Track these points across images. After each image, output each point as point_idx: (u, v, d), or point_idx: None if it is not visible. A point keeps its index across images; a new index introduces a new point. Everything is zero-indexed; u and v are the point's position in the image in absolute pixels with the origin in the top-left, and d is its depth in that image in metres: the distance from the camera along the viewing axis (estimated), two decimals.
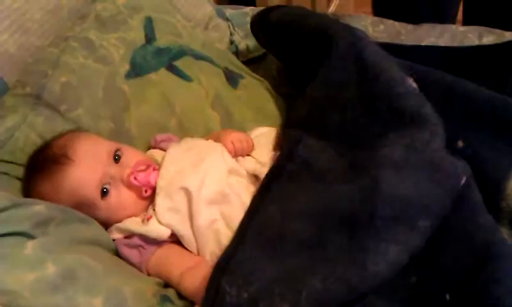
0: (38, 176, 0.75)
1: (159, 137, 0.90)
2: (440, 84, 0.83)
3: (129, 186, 0.76)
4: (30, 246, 0.61)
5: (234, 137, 0.84)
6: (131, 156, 0.79)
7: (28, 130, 0.82)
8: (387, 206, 0.60)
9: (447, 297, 0.59)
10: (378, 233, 0.59)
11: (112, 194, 0.76)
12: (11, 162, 0.79)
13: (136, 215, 0.77)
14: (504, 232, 0.71)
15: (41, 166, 0.76)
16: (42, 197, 0.73)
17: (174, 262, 0.73)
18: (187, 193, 0.74)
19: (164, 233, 0.73)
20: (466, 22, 1.50)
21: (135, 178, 0.75)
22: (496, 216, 0.71)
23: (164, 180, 0.76)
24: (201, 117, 0.97)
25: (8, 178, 0.78)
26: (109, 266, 0.67)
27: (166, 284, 0.72)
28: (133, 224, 0.75)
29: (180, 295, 0.71)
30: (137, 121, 0.92)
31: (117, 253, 0.75)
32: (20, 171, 0.79)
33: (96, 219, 0.75)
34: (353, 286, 0.56)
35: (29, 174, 0.77)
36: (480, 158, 0.74)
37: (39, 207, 0.67)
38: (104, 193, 0.75)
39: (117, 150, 0.78)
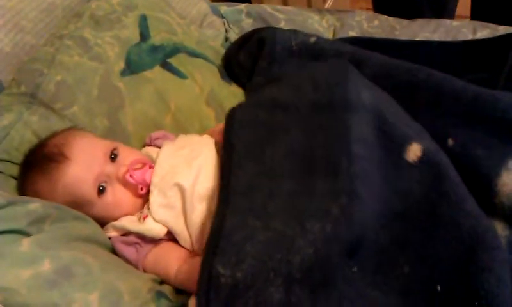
0: (33, 174, 0.76)
1: (154, 134, 0.91)
2: (428, 83, 0.84)
3: (125, 184, 0.77)
4: (26, 243, 0.62)
5: None
6: (127, 154, 0.79)
7: (23, 128, 0.82)
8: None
9: (438, 288, 0.60)
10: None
11: (109, 192, 0.76)
12: (7, 161, 0.80)
13: (132, 214, 0.78)
14: (499, 228, 0.72)
15: (37, 164, 0.76)
16: (38, 195, 0.74)
17: (171, 258, 0.74)
18: (181, 189, 0.74)
19: (160, 231, 0.73)
20: (474, 17, 1.50)
21: (131, 176, 0.76)
22: (490, 213, 0.71)
23: (158, 176, 0.77)
24: (196, 114, 0.98)
25: (3, 176, 0.78)
26: (105, 263, 0.67)
27: (162, 281, 0.73)
28: (129, 222, 0.76)
29: (176, 291, 0.71)
30: (133, 119, 0.92)
31: (113, 251, 0.75)
32: (15, 170, 0.80)
33: (92, 217, 0.75)
34: (342, 240, 0.59)
35: (25, 172, 0.78)
36: (471, 156, 0.75)
37: (34, 205, 0.68)
38: (101, 191, 0.76)
39: (114, 149, 0.79)
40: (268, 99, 0.79)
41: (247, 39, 1.10)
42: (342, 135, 0.70)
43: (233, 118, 0.77)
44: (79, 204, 0.75)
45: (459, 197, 0.65)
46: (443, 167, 0.69)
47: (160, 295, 0.68)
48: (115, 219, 0.77)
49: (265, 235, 0.60)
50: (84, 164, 0.75)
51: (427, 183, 0.67)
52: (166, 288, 0.71)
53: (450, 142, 0.78)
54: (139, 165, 0.78)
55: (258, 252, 0.58)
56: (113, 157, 0.78)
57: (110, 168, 0.77)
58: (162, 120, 0.95)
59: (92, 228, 0.74)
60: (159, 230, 0.73)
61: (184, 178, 0.75)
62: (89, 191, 0.75)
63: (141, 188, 0.77)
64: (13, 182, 0.79)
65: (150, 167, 0.79)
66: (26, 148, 0.81)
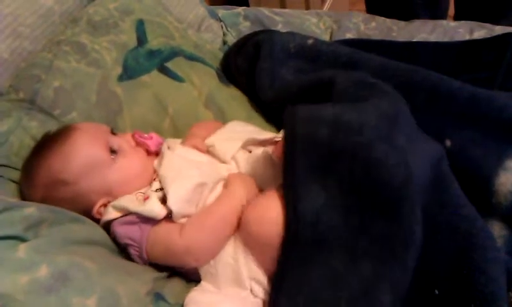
0: (44, 152, 0.78)
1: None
2: (425, 84, 0.84)
3: (134, 147, 0.82)
4: (22, 249, 0.62)
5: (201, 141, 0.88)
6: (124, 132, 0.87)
7: (22, 134, 0.83)
8: None
9: (436, 291, 0.60)
10: None
11: (120, 155, 0.80)
12: (6, 166, 0.80)
13: (143, 180, 0.80)
14: (497, 227, 0.72)
15: (46, 143, 0.79)
16: (50, 175, 0.75)
17: (174, 229, 0.73)
18: (204, 187, 0.76)
19: (160, 212, 0.73)
20: (458, 17, 1.51)
21: (138, 136, 0.83)
22: (488, 213, 0.72)
23: (170, 170, 0.78)
24: (194, 116, 0.98)
25: (2, 180, 0.79)
26: (103, 265, 0.67)
27: (160, 283, 0.72)
28: (129, 202, 0.76)
29: (175, 293, 0.71)
30: (131, 124, 0.92)
31: (111, 250, 0.75)
32: (14, 174, 0.80)
33: (107, 185, 0.78)
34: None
35: (33, 156, 0.79)
36: (468, 156, 0.75)
37: (30, 209, 0.68)
38: (113, 152, 0.80)
39: (112, 128, 0.85)
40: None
41: (245, 42, 1.11)
42: None
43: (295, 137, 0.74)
44: (94, 170, 0.77)
45: (458, 205, 0.65)
46: (444, 180, 0.70)
47: (158, 297, 0.68)
48: (129, 186, 0.78)
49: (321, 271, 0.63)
50: (92, 133, 0.80)
51: (430, 197, 0.68)
52: (165, 290, 0.71)
53: (448, 143, 0.78)
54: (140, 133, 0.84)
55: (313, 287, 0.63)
56: (114, 133, 0.84)
57: (115, 139, 0.81)
58: (161, 124, 0.95)
59: (89, 228, 0.74)
60: (159, 211, 0.73)
61: (207, 177, 0.77)
62: (103, 153, 0.79)
63: (149, 150, 0.83)
64: (13, 186, 0.79)
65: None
66: (25, 153, 0.81)
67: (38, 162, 0.78)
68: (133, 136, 0.84)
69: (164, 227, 0.73)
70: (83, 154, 0.77)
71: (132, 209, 0.74)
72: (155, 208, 0.73)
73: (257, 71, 1.02)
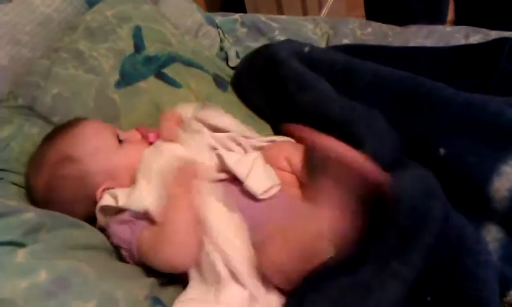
0: (54, 138, 0.81)
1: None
2: (419, 92, 0.84)
3: (139, 139, 0.86)
4: (21, 254, 0.62)
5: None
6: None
7: (23, 140, 0.85)
8: None
9: (428, 298, 0.60)
10: None
11: (126, 143, 0.84)
12: (6, 170, 0.81)
13: None
14: (493, 230, 0.72)
15: (56, 131, 0.83)
16: (58, 153, 0.79)
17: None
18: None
19: (145, 206, 0.74)
20: (458, 22, 1.52)
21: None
22: (484, 217, 0.73)
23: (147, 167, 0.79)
24: None
25: (2, 182, 0.80)
26: (101, 270, 0.68)
27: (158, 288, 0.73)
28: (122, 193, 0.77)
29: (172, 297, 0.71)
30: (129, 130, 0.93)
31: (109, 253, 0.75)
32: (15, 177, 0.82)
33: (109, 168, 0.80)
34: None
35: (42, 144, 0.82)
36: (463, 163, 0.75)
37: (29, 215, 0.68)
38: (120, 142, 0.83)
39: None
40: None
41: (253, 58, 1.10)
42: None
43: None
44: (101, 151, 0.81)
45: (446, 212, 0.65)
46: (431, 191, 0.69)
47: (156, 301, 0.68)
48: (132, 174, 0.80)
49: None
50: (101, 122, 0.86)
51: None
52: (163, 294, 0.71)
53: (442, 151, 0.79)
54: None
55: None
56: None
57: (122, 132, 0.86)
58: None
59: (88, 233, 0.75)
60: (142, 205, 0.74)
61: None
62: (111, 138, 0.83)
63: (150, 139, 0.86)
64: (14, 188, 0.81)
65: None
66: (26, 158, 0.83)
67: (46, 145, 0.81)
68: (138, 129, 0.87)
69: (153, 230, 0.73)
70: (92, 135, 0.82)
71: (121, 202, 0.75)
72: (140, 202, 0.74)
73: (282, 78, 1.00)
